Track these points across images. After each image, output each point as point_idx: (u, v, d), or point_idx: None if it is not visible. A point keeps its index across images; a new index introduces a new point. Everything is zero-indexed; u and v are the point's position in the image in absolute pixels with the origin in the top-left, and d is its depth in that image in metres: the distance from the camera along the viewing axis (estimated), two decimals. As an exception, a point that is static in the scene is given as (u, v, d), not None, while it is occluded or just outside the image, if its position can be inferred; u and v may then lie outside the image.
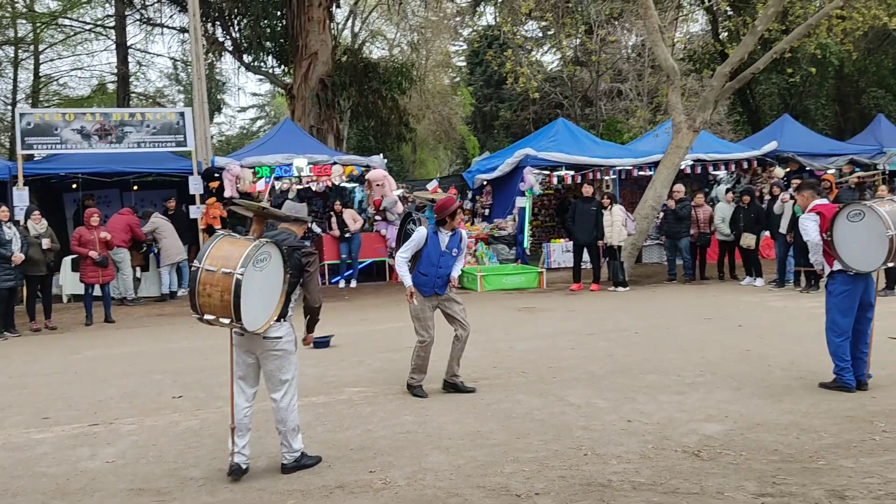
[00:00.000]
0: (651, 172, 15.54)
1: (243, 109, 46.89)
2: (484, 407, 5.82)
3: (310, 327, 4.94)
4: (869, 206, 5.82)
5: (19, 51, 26.54)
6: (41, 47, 26.98)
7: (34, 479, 4.62)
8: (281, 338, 4.58)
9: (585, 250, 13.06)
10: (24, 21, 25.61)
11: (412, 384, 6.30)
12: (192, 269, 4.26)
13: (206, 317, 4.23)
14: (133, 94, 26.68)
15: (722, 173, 16.92)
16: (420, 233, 6.23)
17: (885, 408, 5.40)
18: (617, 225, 12.54)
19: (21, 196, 12.57)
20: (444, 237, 6.23)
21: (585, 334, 8.73)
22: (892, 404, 5.48)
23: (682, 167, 14.92)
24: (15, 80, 26.69)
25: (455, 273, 6.34)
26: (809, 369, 6.62)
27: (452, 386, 6.35)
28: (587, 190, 13.25)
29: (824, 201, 6.29)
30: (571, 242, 13.76)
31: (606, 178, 15.91)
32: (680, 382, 6.31)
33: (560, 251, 15.60)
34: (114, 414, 6.01)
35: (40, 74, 27.47)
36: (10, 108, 26.53)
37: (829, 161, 16.75)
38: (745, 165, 16.66)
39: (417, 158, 35.93)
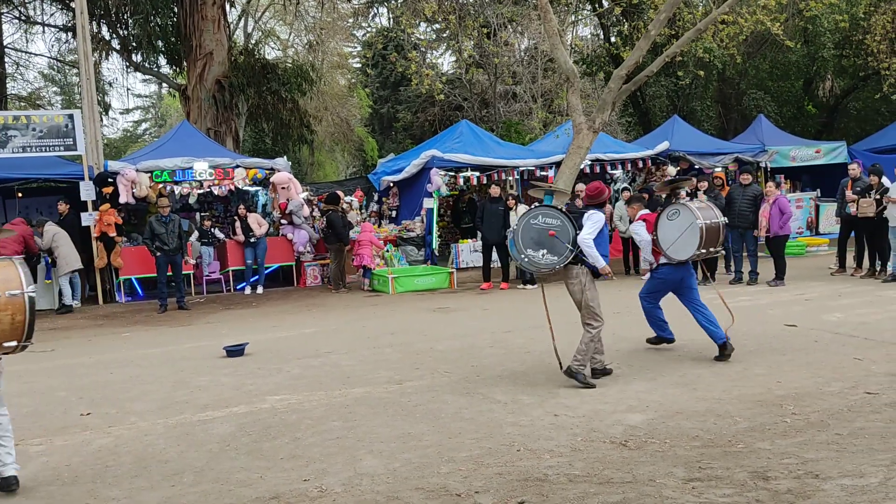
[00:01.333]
0: (553, 172, 15.97)
1: (127, 111, 44.90)
2: (412, 408, 5.81)
3: None
4: (683, 203, 7.16)
5: None
6: None
7: (-67, 511, 4.27)
8: None
9: (494, 249, 13.26)
10: None
11: (580, 370, 6.25)
12: None
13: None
14: (9, 96, 24.98)
15: (619, 172, 17.56)
16: (600, 217, 6.37)
17: (791, 391, 5.75)
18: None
19: None
20: None
21: (502, 332, 8.86)
22: (797, 388, 5.85)
23: (583, 167, 15.37)
24: None
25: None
26: (715, 355, 6.97)
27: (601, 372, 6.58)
28: (494, 190, 13.46)
29: (647, 211, 7.68)
30: (480, 242, 13.94)
31: (510, 178, 16.20)
32: (598, 375, 6.50)
33: (468, 251, 15.78)
34: (19, 435, 5.59)
35: None
36: None
37: (716, 159, 17.68)
38: (640, 165, 17.36)
39: (315, 160, 35.43)
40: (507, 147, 17.77)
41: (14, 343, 4.31)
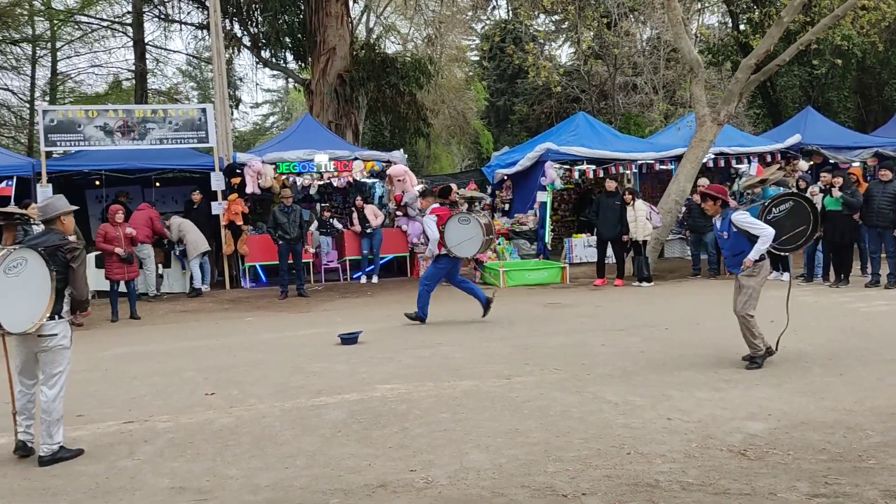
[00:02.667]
0: (673, 166, 15.42)
1: (257, 105, 47.03)
2: (520, 404, 5.76)
3: (79, 308, 5.18)
4: (473, 215, 9.25)
5: (37, 48, 26.60)
6: (58, 44, 27.06)
7: (73, 477, 4.60)
8: (56, 335, 4.88)
9: (609, 245, 12.97)
10: (41, 18, 25.70)
11: (758, 353, 6.65)
12: None
13: None
14: (150, 91, 26.72)
15: (744, 167, 16.72)
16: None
17: (932, 405, 5.30)
18: (641, 220, 12.43)
19: (45, 193, 12.60)
20: (718, 222, 6.84)
21: (614, 330, 8.65)
22: (939, 402, 5.38)
23: (705, 161, 14.77)
24: (33, 77, 26.77)
25: (749, 256, 6.62)
26: (848, 365, 6.52)
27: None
28: (610, 185, 13.16)
29: (437, 205, 9.51)
30: (594, 237, 13.68)
31: (627, 172, 15.78)
32: (717, 379, 6.23)
33: (582, 246, 15.50)
34: (148, 412, 5.99)
35: (58, 72, 27.56)
36: (27, 105, 26.65)
37: (853, 154, 16.53)
38: (769, 159, 16.47)
39: (432, 153, 35.84)
40: (626, 140, 17.32)
41: None
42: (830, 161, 16.18)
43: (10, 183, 10.92)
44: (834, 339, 7.65)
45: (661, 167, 15.82)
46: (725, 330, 8.21)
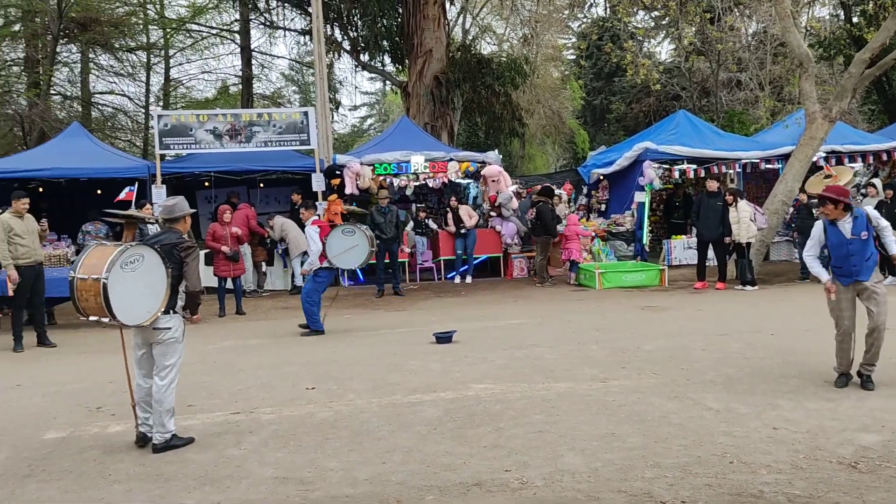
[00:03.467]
0: (780, 166, 14.80)
1: (355, 108, 48.11)
2: (616, 408, 5.68)
3: (192, 310, 5.40)
4: (357, 227, 9.57)
5: (151, 56, 28.14)
6: (171, 52, 28.52)
7: (184, 464, 4.85)
8: (170, 328, 5.16)
9: (710, 247, 12.57)
10: (155, 27, 27.17)
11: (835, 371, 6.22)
12: (70, 278, 4.90)
13: (91, 318, 4.89)
14: (255, 95, 27.80)
15: (858, 166, 15.85)
16: (816, 228, 6.32)
17: None
18: (744, 221, 11.98)
19: (159, 194, 13.32)
20: (846, 225, 6.10)
21: (716, 335, 8.39)
22: None
23: (815, 159, 14.09)
24: (147, 83, 28.31)
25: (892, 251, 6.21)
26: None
27: (859, 375, 6.14)
28: (712, 185, 12.74)
29: (317, 217, 9.80)
30: (694, 239, 13.28)
31: (730, 172, 15.24)
32: (827, 388, 5.95)
33: (681, 248, 15.10)
34: (253, 403, 6.25)
35: (170, 78, 29.05)
36: (142, 110, 28.22)
37: (981, 152, 15.40)
38: (885, 157, 15.56)
39: (526, 153, 35.69)
40: (729, 138, 16.73)
41: (107, 318, 4.83)
42: (954, 160, 15.14)
43: (132, 188, 11.61)
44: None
45: (767, 166, 15.21)
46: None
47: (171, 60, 28.83)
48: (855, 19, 21.03)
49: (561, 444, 4.91)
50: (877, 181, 13.75)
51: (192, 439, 5.26)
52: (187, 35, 27.73)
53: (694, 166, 14.98)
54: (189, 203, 5.75)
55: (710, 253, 12.67)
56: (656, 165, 14.85)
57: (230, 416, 5.88)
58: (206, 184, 15.22)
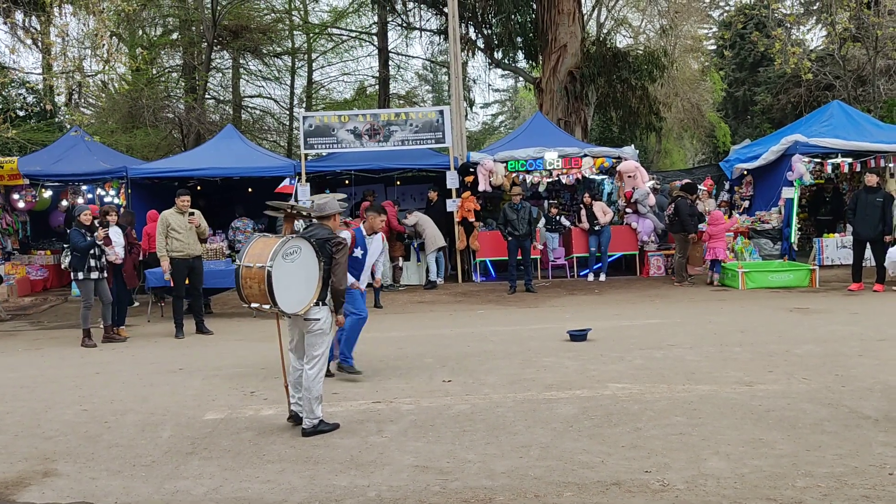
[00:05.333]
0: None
1: (486, 105, 48.37)
2: (763, 413, 5.44)
3: (336, 307, 5.55)
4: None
5: (295, 60, 29.55)
6: (313, 56, 29.83)
7: (330, 448, 5.09)
8: (319, 320, 5.38)
9: (868, 246, 11.71)
10: (299, 32, 28.52)
11: None
12: (236, 266, 5.14)
13: (253, 305, 5.18)
14: (391, 95, 28.58)
15: None
16: None
17: None
18: (911, 218, 11.10)
19: (304, 191, 14.00)
20: None
21: (875, 340, 7.83)
22: None
23: None
24: (292, 86, 29.77)
25: None
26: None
27: None
28: (871, 179, 11.88)
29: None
30: (849, 237, 12.43)
31: (891, 165, 14.13)
32: None
33: (835, 247, 14.18)
34: (392, 394, 6.47)
35: (312, 81, 30.39)
36: (287, 112, 29.70)
37: None
38: None
39: (662, 148, 34.60)
40: (889, 130, 15.49)
41: (267, 305, 5.08)
42: None
43: (292, 182, 12.30)
44: None
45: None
46: None
47: (314, 64, 30.16)
48: None
49: (704, 448, 4.77)
50: None
51: (337, 425, 5.51)
52: (328, 39, 28.92)
53: (849, 160, 14.03)
54: None
55: (868, 252, 11.82)
56: (807, 159, 14.01)
57: (372, 405, 6.12)
58: (347, 182, 15.83)
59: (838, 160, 14.02)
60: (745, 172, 16.26)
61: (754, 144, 17.27)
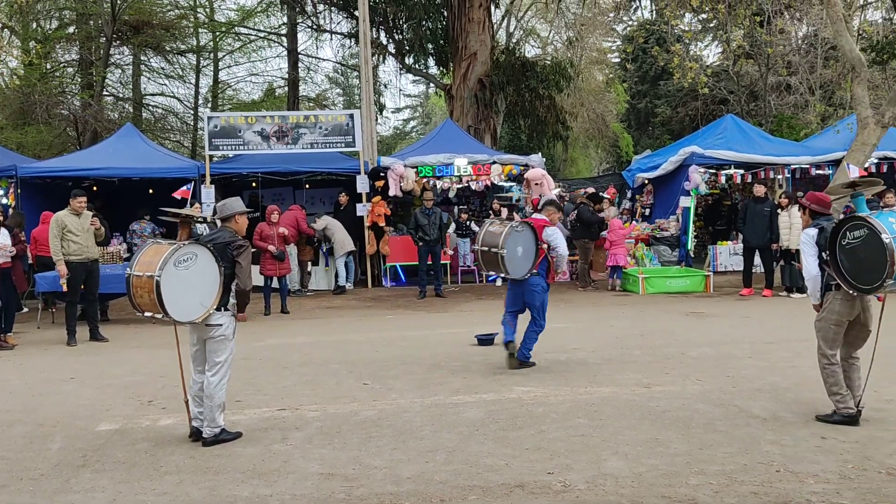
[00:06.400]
0: (830, 171, 14.51)
1: (398, 110, 48.39)
2: (660, 413, 5.65)
3: (240, 307, 5.50)
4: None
5: (200, 58, 28.72)
6: (220, 55, 29.07)
7: (232, 458, 4.96)
8: (221, 325, 5.26)
9: (757, 253, 12.37)
10: (205, 30, 27.75)
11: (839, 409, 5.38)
12: (126, 275, 5.05)
13: (146, 313, 5.08)
14: (301, 98, 28.18)
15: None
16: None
17: None
18: (796, 227, 11.77)
19: (208, 194, 13.61)
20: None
21: (763, 343, 8.27)
22: None
23: (867, 166, 13.77)
24: (196, 85, 28.88)
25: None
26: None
27: None
28: (759, 190, 12.56)
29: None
30: (740, 245, 13.10)
31: (779, 177, 14.99)
32: (877, 398, 5.81)
33: (727, 254, 14.90)
34: (298, 400, 6.36)
35: (219, 80, 29.62)
36: (191, 111, 28.83)
37: None
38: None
39: (569, 157, 35.54)
40: (778, 143, 16.46)
41: (160, 315, 4.98)
42: None
43: (188, 187, 11.90)
44: None
45: (818, 172, 14.92)
46: (893, 346, 7.64)
47: (220, 63, 29.42)
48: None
49: (604, 449, 4.91)
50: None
51: (240, 434, 5.38)
52: (236, 38, 28.26)
53: (741, 171, 14.78)
54: None
55: (758, 259, 12.48)
56: (702, 170, 14.68)
57: (276, 413, 6.00)
58: (254, 184, 15.50)
59: (731, 171, 14.76)
60: (646, 182, 16.89)
61: (654, 155, 17.95)
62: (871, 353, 5.36)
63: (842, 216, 5.36)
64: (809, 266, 5.40)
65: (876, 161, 14.61)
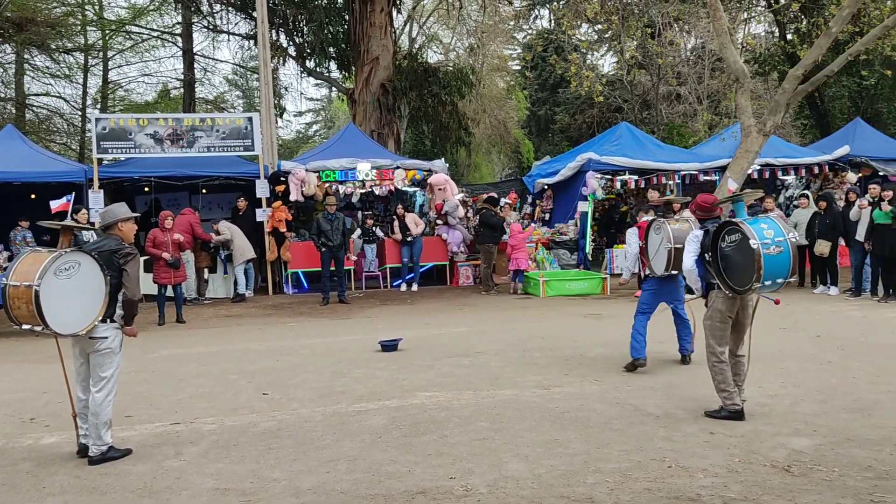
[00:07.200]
0: (717, 177, 15.25)
1: (301, 114, 47.74)
2: (559, 414, 5.76)
3: (128, 320, 5.19)
4: (663, 222, 7.08)
5: (89, 57, 27.40)
6: (110, 54, 27.81)
7: (121, 476, 4.73)
8: (106, 338, 5.01)
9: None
10: (93, 28, 26.48)
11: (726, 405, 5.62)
12: (1, 286, 4.81)
13: (24, 326, 4.77)
14: (197, 100, 27.32)
15: (791, 178, 16.47)
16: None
17: None
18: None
19: (96, 199, 12.97)
20: None
21: (657, 342, 8.54)
22: None
23: (750, 172, 14.56)
24: (85, 85, 27.55)
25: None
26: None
27: None
28: (652, 195, 13.02)
29: (648, 219, 7.84)
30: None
31: (670, 182, 15.63)
32: (761, 394, 6.13)
33: (623, 257, 15.38)
34: (193, 413, 6.13)
35: (109, 80, 28.33)
36: (79, 112, 27.45)
37: (905, 166, 16.16)
38: (816, 170, 16.19)
39: (472, 162, 35.93)
40: (669, 150, 17.16)
41: (39, 327, 4.73)
42: (880, 173, 15.85)
43: (69, 198, 11.26)
44: (882, 355, 7.49)
45: (705, 178, 15.65)
46: (771, 344, 8.08)
47: (110, 63, 28.16)
48: (789, 36, 21.87)
49: (505, 451, 4.95)
50: (808, 193, 14.27)
51: (129, 451, 5.13)
52: (127, 37, 27.11)
53: (635, 177, 15.32)
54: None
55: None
56: (599, 176, 15.13)
57: (170, 427, 5.76)
58: (146, 189, 14.88)
59: (626, 177, 15.29)
60: (546, 187, 17.27)
61: (554, 161, 18.38)
62: (749, 351, 5.65)
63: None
64: (686, 261, 5.75)
65: (758, 167, 15.46)
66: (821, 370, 6.95)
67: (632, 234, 7.53)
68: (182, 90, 26.79)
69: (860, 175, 15.76)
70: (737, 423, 5.40)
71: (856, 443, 4.89)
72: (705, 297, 5.74)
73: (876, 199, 11.38)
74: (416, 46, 29.28)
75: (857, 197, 12.13)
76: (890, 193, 11.30)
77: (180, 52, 26.18)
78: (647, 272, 7.40)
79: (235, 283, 13.71)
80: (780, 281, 5.23)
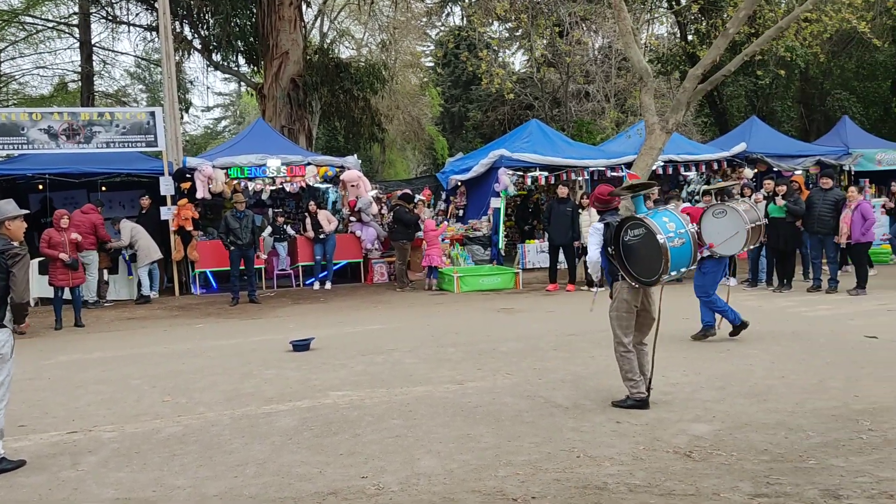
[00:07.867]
0: (623, 173, 15.69)
1: (208, 109, 46.41)
2: (472, 409, 5.79)
3: (17, 320, 4.98)
4: (730, 205, 7.60)
5: (-22, 48, 25.82)
6: (2, 45, 26.28)
7: (13, 489, 4.48)
8: None
9: (561, 251, 13.11)
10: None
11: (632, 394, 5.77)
12: None
13: None
14: (97, 93, 26.13)
15: (692, 174, 17.13)
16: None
17: (868, 406, 5.48)
18: (595, 225, 12.60)
19: (-15, 197, 12.21)
20: None
21: (566, 335, 8.76)
22: (875, 403, 5.57)
23: (655, 168, 15.06)
24: (-26, 78, 25.99)
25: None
26: (790, 368, 6.71)
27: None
28: (562, 191, 13.32)
29: (688, 204, 8.60)
30: (546, 243, 13.83)
31: (579, 179, 16.00)
32: (664, 382, 6.34)
33: (534, 252, 15.66)
34: (92, 421, 5.86)
35: (1, 73, 26.77)
36: (-32, 107, 25.83)
37: (796, 162, 17.06)
38: (715, 166, 16.89)
39: (387, 159, 35.83)
40: (578, 147, 17.56)
41: None
42: (774, 169, 16.68)
43: None
44: (776, 342, 7.88)
45: (613, 174, 16.08)
46: (674, 334, 8.37)
47: (2, 55, 26.58)
48: (690, 37, 22.73)
49: (418, 448, 4.94)
50: (706, 187, 14.85)
51: (23, 462, 4.86)
52: (20, 27, 25.65)
53: (546, 173, 15.60)
54: (21, 207, 5.28)
55: (562, 256, 13.22)
56: (511, 172, 15.33)
57: (66, 436, 5.48)
58: (40, 186, 14.14)
59: (536, 173, 15.55)
60: (459, 183, 17.37)
61: (467, 157, 18.51)
62: (654, 339, 5.83)
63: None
64: (591, 253, 5.93)
65: (662, 163, 16.02)
66: (719, 358, 7.25)
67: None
68: (80, 83, 25.55)
69: (756, 171, 16.54)
70: (642, 411, 5.56)
71: (752, 427, 5.12)
72: (610, 287, 5.89)
73: (770, 193, 11.97)
74: (328, 41, 28.93)
75: (752, 192, 12.71)
76: (783, 188, 11.91)
77: (77, 44, 24.95)
78: (706, 254, 7.77)
79: (139, 284, 13.19)
80: (682, 270, 5.44)
